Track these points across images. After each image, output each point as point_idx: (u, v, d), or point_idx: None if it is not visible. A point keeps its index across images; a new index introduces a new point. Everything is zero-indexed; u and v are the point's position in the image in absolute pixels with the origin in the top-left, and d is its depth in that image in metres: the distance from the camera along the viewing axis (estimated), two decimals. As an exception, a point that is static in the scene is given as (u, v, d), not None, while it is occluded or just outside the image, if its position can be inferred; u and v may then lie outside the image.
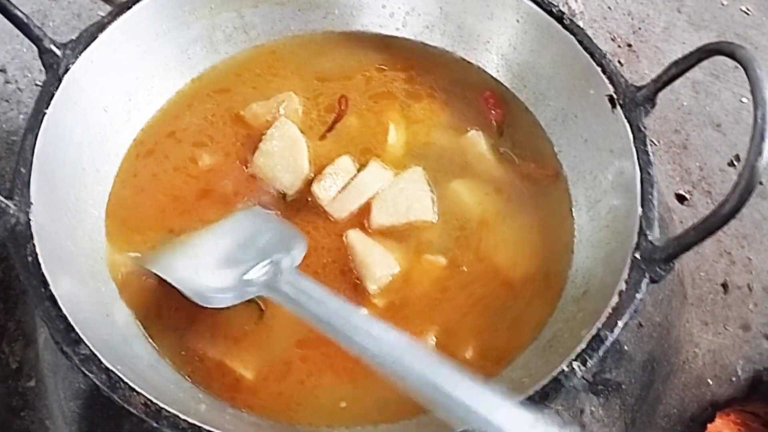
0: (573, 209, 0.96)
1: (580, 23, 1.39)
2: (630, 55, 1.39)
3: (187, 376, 0.84)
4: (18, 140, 1.15)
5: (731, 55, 0.77)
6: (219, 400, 0.83)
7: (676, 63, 0.85)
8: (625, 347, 1.00)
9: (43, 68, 0.89)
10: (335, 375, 0.85)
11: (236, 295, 0.82)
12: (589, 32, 1.39)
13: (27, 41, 0.89)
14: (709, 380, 1.05)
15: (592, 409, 0.97)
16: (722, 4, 1.48)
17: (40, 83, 1.24)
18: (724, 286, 1.13)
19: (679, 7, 1.47)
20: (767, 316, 1.10)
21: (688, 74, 0.86)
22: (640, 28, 1.44)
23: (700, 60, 0.83)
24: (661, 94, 0.90)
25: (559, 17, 0.98)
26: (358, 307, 0.84)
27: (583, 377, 0.92)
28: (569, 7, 1.42)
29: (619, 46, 1.41)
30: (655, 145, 1.27)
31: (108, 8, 1.35)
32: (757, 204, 1.21)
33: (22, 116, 1.22)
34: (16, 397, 1.00)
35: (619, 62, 1.38)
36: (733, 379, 1.06)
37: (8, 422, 0.99)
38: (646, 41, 1.42)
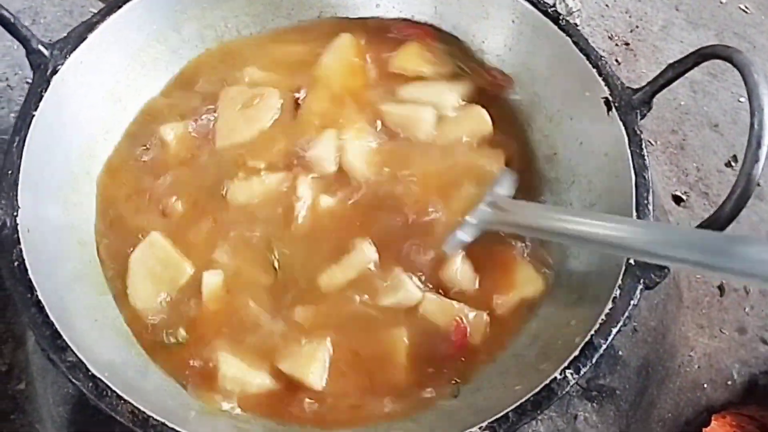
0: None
1: (578, 21, 1.39)
2: (627, 53, 1.38)
3: (177, 382, 0.83)
4: (8, 139, 1.15)
5: (728, 59, 0.77)
6: (210, 404, 0.82)
7: (672, 66, 0.85)
8: (620, 352, 0.99)
9: (32, 68, 0.88)
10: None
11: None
12: (587, 30, 1.40)
13: (17, 38, 0.88)
14: (704, 384, 1.05)
15: (586, 415, 0.96)
16: (721, 3, 1.47)
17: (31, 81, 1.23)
18: (720, 289, 1.13)
19: (678, 5, 1.46)
20: (763, 319, 1.10)
21: (686, 74, 0.85)
22: (637, 27, 1.43)
23: (696, 63, 0.83)
24: (658, 94, 0.89)
25: (555, 18, 0.97)
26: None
27: (576, 383, 0.92)
28: (566, 5, 1.41)
29: (617, 45, 1.40)
30: (651, 145, 1.27)
31: (100, 5, 1.35)
32: (754, 206, 1.20)
33: (12, 115, 1.21)
34: (6, 400, 0.99)
35: (617, 61, 1.37)
36: (729, 382, 1.05)
37: (-2, 425, 0.98)
38: (644, 40, 1.41)
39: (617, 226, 0.76)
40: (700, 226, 0.74)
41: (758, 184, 1.20)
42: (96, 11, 0.97)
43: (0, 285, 1.06)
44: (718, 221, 0.72)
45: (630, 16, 1.45)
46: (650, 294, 1.02)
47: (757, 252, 0.62)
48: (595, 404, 0.97)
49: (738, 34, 1.41)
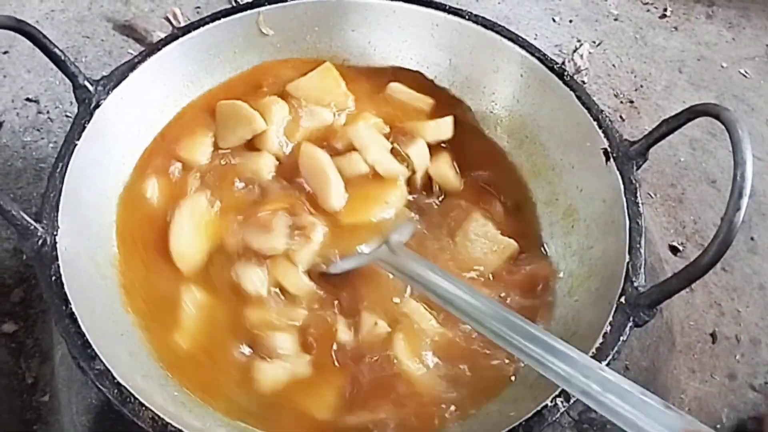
0: (566, 254, 1.01)
1: (585, 79, 1.47)
2: (631, 110, 1.45)
3: (193, 395, 0.88)
4: (46, 167, 1.24)
5: (716, 116, 0.82)
6: (225, 417, 0.88)
7: (666, 121, 0.90)
8: (611, 388, 1.03)
9: (74, 100, 0.96)
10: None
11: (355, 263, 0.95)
12: (593, 88, 1.47)
13: (60, 74, 0.96)
14: (694, 426, 1.08)
15: (577, 448, 1.00)
16: (722, 66, 1.54)
17: (70, 114, 1.32)
18: (713, 336, 1.17)
19: (681, 67, 1.54)
20: (753, 366, 1.14)
21: (686, 132, 0.91)
22: (642, 86, 1.50)
23: (689, 119, 0.88)
24: (659, 150, 0.95)
25: (560, 73, 1.04)
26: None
27: (568, 414, 0.96)
28: (575, 64, 1.49)
29: (622, 102, 1.47)
30: (651, 198, 1.32)
31: (138, 47, 1.44)
32: (747, 258, 1.25)
33: (51, 145, 1.29)
34: (30, 411, 1.05)
35: (621, 117, 1.44)
36: (718, 426, 1.09)
37: (21, 435, 1.03)
38: (648, 98, 1.48)
39: (471, 300, 0.81)
40: (684, 269, 0.79)
41: (752, 239, 1.28)
42: (135, 52, 1.05)
43: (29, 303, 1.14)
44: (699, 265, 0.77)
45: (635, 76, 1.52)
46: (642, 335, 1.07)
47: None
48: (586, 437, 1.01)
49: (737, 96, 1.48)
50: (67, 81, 0.95)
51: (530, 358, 0.74)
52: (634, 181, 0.93)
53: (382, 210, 1.01)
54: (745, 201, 0.75)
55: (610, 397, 0.67)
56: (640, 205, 0.91)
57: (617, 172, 0.94)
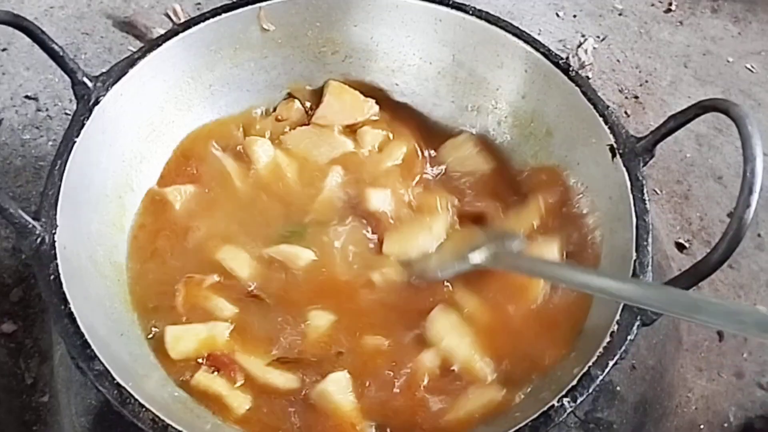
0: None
1: (590, 74, 1.46)
2: (636, 106, 1.44)
3: (194, 397, 0.87)
4: (45, 165, 1.22)
5: (725, 112, 0.81)
6: (223, 421, 0.87)
7: (673, 116, 0.89)
8: (618, 388, 1.02)
9: (73, 98, 0.94)
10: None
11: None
12: (598, 83, 1.46)
13: (59, 72, 0.94)
14: (701, 425, 1.07)
15: (583, 448, 0.99)
16: (728, 61, 1.53)
17: (69, 112, 1.31)
18: (720, 334, 1.15)
19: (686, 62, 1.52)
20: (761, 364, 1.13)
21: (692, 128, 0.89)
22: (647, 81, 1.49)
23: (697, 115, 0.87)
24: (665, 146, 0.93)
25: (565, 69, 1.02)
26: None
27: (574, 414, 0.95)
28: (579, 58, 1.48)
29: (626, 98, 1.46)
30: (657, 194, 1.31)
31: (138, 43, 1.43)
32: (755, 255, 1.24)
33: (50, 143, 1.28)
34: (29, 411, 1.04)
35: (626, 113, 1.43)
36: (725, 425, 1.08)
37: (20, 436, 1.02)
38: (653, 94, 1.46)
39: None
40: (693, 267, 0.77)
41: (759, 235, 1.26)
42: (135, 49, 1.04)
43: (28, 303, 1.13)
44: (710, 262, 0.76)
45: (640, 71, 1.51)
46: (649, 333, 1.06)
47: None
48: (592, 437, 1.00)
49: (744, 91, 1.47)
50: (67, 78, 0.94)
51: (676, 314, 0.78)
52: (640, 178, 0.92)
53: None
54: (755, 197, 0.74)
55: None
56: (647, 202, 0.90)
57: (623, 169, 0.93)
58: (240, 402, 0.87)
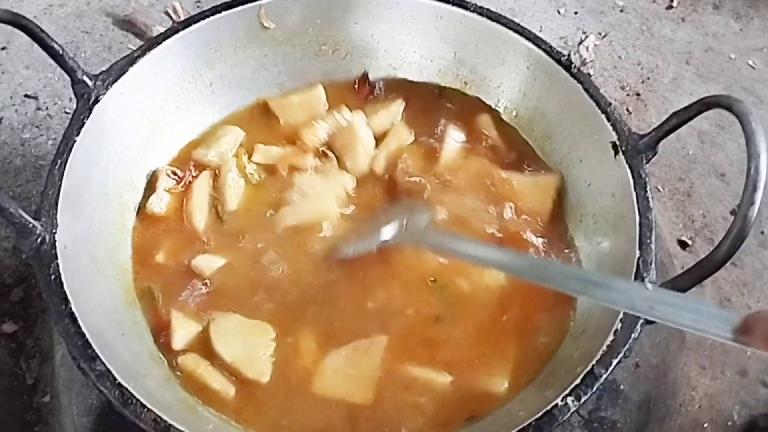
0: (574, 252, 0.99)
1: (591, 71, 1.45)
2: (638, 103, 1.43)
3: (196, 397, 0.87)
4: (45, 164, 1.22)
5: (728, 108, 0.80)
6: (227, 420, 0.86)
7: (676, 113, 0.89)
8: (621, 386, 1.02)
9: (73, 97, 0.94)
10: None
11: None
12: (600, 80, 1.45)
13: (59, 70, 0.94)
14: (705, 424, 1.07)
15: (587, 446, 0.99)
16: (730, 58, 1.52)
17: (69, 111, 1.30)
18: (722, 333, 1.15)
19: (688, 59, 1.52)
20: (764, 362, 1.12)
21: (694, 124, 0.89)
22: (649, 78, 1.48)
23: (700, 111, 0.86)
24: (667, 143, 0.93)
25: (567, 66, 1.02)
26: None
27: (578, 413, 0.95)
28: (581, 56, 1.47)
29: (628, 95, 1.45)
30: (659, 192, 1.31)
31: (137, 42, 1.42)
32: (758, 253, 1.23)
33: (50, 142, 1.28)
34: (31, 412, 1.03)
35: (628, 110, 1.42)
36: (729, 423, 1.07)
37: (21, 436, 1.02)
38: (655, 91, 1.46)
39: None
40: (697, 265, 0.77)
41: (762, 233, 1.26)
42: (134, 47, 1.03)
43: (29, 303, 1.12)
44: (713, 260, 0.75)
45: (642, 68, 1.50)
46: (653, 331, 1.06)
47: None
48: (596, 436, 0.99)
49: (746, 88, 1.46)
50: (66, 77, 0.94)
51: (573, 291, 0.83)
52: (643, 175, 0.91)
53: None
54: (759, 195, 0.74)
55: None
56: (650, 199, 0.90)
57: (626, 166, 0.93)
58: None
